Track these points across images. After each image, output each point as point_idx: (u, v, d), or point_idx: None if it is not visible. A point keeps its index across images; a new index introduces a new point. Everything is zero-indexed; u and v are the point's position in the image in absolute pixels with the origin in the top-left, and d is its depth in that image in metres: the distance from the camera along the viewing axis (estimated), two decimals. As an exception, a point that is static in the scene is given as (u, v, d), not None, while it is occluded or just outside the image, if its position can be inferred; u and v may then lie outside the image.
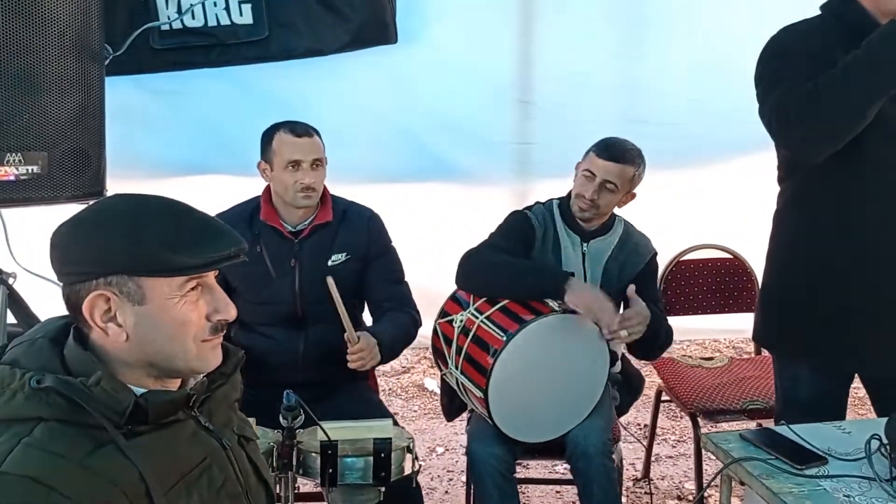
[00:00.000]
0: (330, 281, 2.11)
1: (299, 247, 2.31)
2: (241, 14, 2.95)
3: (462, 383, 2.22)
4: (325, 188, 2.35)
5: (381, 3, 2.98)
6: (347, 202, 2.42)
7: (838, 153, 1.85)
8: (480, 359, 2.13)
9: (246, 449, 1.26)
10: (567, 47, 3.18)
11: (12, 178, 2.04)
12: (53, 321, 1.14)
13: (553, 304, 2.17)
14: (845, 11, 1.87)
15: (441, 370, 2.39)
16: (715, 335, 4.02)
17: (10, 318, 2.23)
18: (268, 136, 2.31)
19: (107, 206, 1.13)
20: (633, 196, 2.39)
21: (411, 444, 1.95)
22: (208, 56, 2.98)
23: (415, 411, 3.71)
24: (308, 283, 2.30)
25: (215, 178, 3.15)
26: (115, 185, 2.38)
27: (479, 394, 2.12)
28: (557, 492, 2.96)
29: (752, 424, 2.62)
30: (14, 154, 2.04)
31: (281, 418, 1.82)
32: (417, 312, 2.42)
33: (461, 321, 2.23)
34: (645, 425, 3.30)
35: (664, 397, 2.95)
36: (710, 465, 2.76)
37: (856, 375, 2.09)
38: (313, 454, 1.84)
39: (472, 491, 2.43)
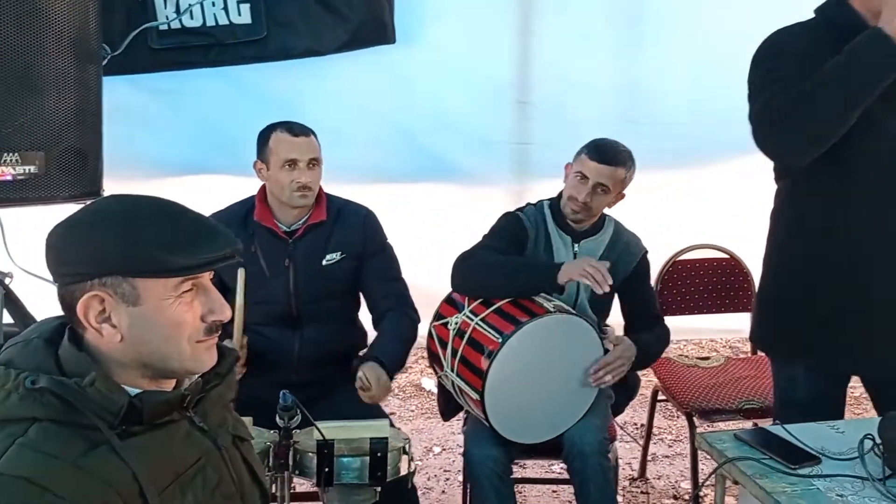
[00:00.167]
0: (240, 273, 2.11)
1: (293, 247, 2.32)
2: (239, 14, 2.95)
3: (458, 386, 2.22)
4: (319, 187, 2.36)
5: (379, 2, 2.98)
6: (342, 201, 2.43)
7: (829, 154, 1.85)
8: (476, 361, 2.13)
9: (240, 449, 1.27)
10: (566, 47, 3.18)
11: (9, 177, 2.05)
12: (49, 321, 1.15)
13: (548, 304, 2.17)
14: (838, 14, 1.87)
15: (436, 373, 2.39)
16: (712, 335, 4.02)
17: (7, 318, 2.23)
18: (264, 136, 2.31)
19: (102, 208, 1.13)
20: (623, 196, 2.40)
21: (407, 445, 1.95)
22: (206, 56, 2.99)
23: (412, 411, 3.72)
24: (303, 282, 2.31)
25: (213, 178, 3.15)
26: (112, 185, 2.39)
27: (475, 396, 2.13)
28: (554, 491, 2.97)
29: (749, 424, 2.62)
30: (11, 154, 2.05)
31: (277, 418, 1.82)
32: (415, 311, 2.43)
33: (456, 323, 2.24)
34: (642, 425, 3.31)
35: (660, 397, 2.96)
36: (707, 465, 2.77)
37: (853, 375, 2.10)
38: (309, 454, 1.84)
39: (468, 491, 2.43)
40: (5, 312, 2.22)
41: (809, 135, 1.83)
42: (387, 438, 1.86)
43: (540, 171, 3.24)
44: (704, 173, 3.38)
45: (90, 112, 2.21)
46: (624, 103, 3.29)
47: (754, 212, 3.34)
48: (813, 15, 1.98)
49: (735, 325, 3.24)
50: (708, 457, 1.78)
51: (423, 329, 2.43)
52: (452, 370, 2.22)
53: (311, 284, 2.32)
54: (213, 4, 2.92)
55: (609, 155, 2.31)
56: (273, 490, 1.87)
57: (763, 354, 3.20)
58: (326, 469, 1.82)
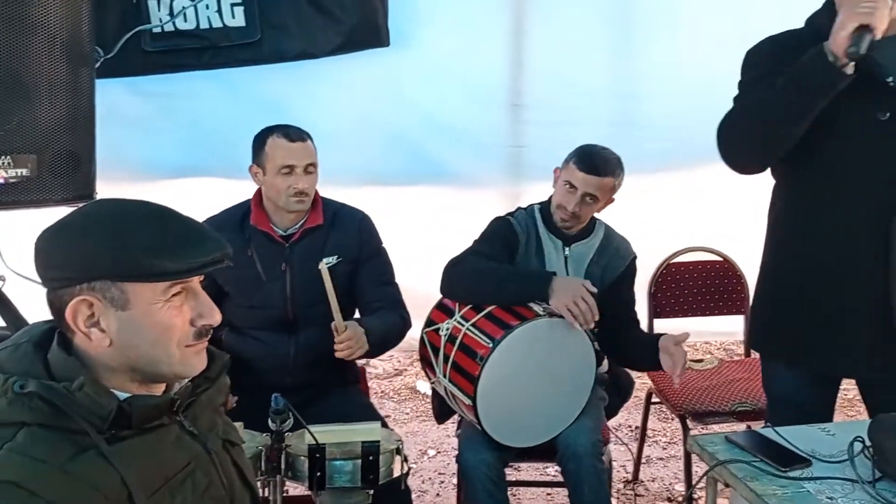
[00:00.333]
0: (323, 268, 2.11)
1: (290, 251, 2.32)
2: (233, 16, 2.95)
3: (451, 392, 2.23)
4: (315, 191, 2.36)
5: (372, 5, 2.98)
6: (338, 205, 2.43)
7: (809, 154, 1.88)
8: (468, 366, 2.14)
9: (230, 453, 1.27)
10: (559, 50, 3.19)
11: (1, 181, 2.05)
12: (38, 326, 1.15)
13: (538, 308, 2.18)
14: (825, 26, 1.87)
15: (429, 379, 2.40)
16: (706, 337, 4.03)
17: (-1, 322, 2.23)
18: (260, 140, 2.31)
19: (91, 212, 1.13)
20: (613, 201, 2.41)
21: (400, 447, 1.95)
22: (200, 58, 2.99)
23: (407, 413, 3.72)
24: (299, 286, 2.31)
25: (207, 181, 3.15)
26: (105, 188, 2.38)
27: (467, 401, 2.13)
28: (549, 494, 2.97)
29: (742, 426, 2.64)
30: (3, 157, 2.04)
31: (269, 422, 1.83)
32: (407, 313, 2.43)
33: (447, 329, 2.24)
34: (636, 427, 3.31)
35: (654, 399, 2.97)
36: (701, 467, 2.77)
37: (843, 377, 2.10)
38: (301, 457, 1.84)
39: (462, 495, 2.44)
40: (-2, 316, 2.22)
41: (753, 146, 1.89)
42: (378, 441, 1.87)
43: (533, 174, 3.24)
44: (698, 176, 3.38)
45: (83, 115, 2.20)
46: (617, 106, 3.30)
47: (747, 214, 3.36)
48: (804, 15, 2.00)
49: (729, 328, 3.23)
50: (702, 459, 1.78)
51: (416, 331, 2.43)
52: (445, 376, 2.23)
53: (307, 288, 2.32)
54: (207, 7, 2.92)
55: (597, 165, 2.31)
56: (265, 494, 1.88)
57: (756, 356, 3.23)
58: (318, 473, 1.83)
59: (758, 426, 2.36)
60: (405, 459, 1.96)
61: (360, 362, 2.56)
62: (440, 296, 2.38)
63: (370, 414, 2.29)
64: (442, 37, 3.11)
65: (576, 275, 2.39)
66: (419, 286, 2.69)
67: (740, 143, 1.91)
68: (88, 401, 1.04)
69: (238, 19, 2.95)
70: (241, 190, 2.44)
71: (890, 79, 1.79)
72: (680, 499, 2.96)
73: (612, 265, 2.43)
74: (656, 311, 3.05)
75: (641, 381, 3.10)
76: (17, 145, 2.06)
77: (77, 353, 1.10)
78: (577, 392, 2.26)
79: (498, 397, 2.13)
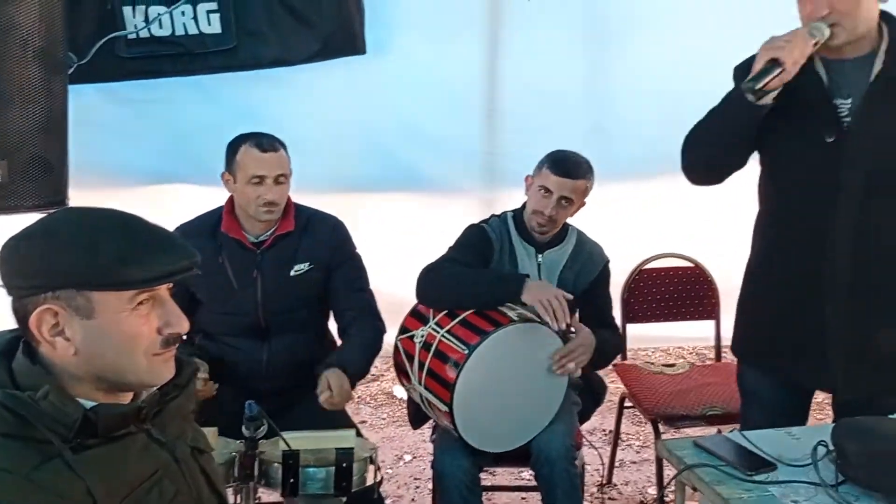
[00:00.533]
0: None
1: (261, 257, 2.32)
2: (209, 23, 2.94)
3: (426, 398, 2.24)
4: (288, 198, 2.36)
5: (349, 13, 2.99)
6: (311, 211, 2.43)
7: (770, 174, 1.99)
8: (443, 373, 2.15)
9: (199, 461, 1.26)
10: (535, 57, 3.21)
11: (-28, 187, 2.03)
12: (3, 334, 1.14)
13: (512, 314, 2.19)
14: None
15: (404, 386, 2.41)
16: (678, 342, 4.07)
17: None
18: (233, 148, 2.30)
19: (56, 220, 1.13)
20: (584, 204, 2.44)
21: (374, 455, 1.96)
22: (176, 65, 2.98)
23: (383, 419, 3.73)
24: (271, 293, 2.31)
25: (181, 188, 3.14)
26: (79, 195, 2.38)
27: (443, 408, 2.14)
28: (523, 498, 2.99)
29: (713, 430, 2.67)
30: (-26, 163, 2.03)
31: (243, 428, 1.83)
32: (381, 321, 2.44)
33: (422, 336, 2.25)
34: (610, 431, 3.34)
35: (627, 403, 2.99)
36: (672, 471, 2.80)
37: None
38: (275, 464, 1.85)
39: (437, 499, 2.45)
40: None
41: (697, 164, 2.02)
42: (353, 448, 1.88)
43: (509, 181, 3.25)
44: (669, 183, 3.39)
45: (55, 121, 2.19)
46: (592, 113, 3.33)
47: (719, 220, 3.42)
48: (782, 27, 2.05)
49: (700, 333, 3.27)
50: (670, 463, 1.81)
51: (390, 338, 2.44)
52: (420, 383, 2.24)
53: (279, 295, 2.33)
54: (183, 14, 2.91)
55: (570, 168, 2.35)
56: (238, 501, 1.88)
57: (727, 361, 3.27)
58: (292, 479, 1.83)
59: (728, 430, 2.40)
60: (378, 468, 1.97)
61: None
62: (415, 302, 2.39)
63: (344, 421, 2.29)
64: (418, 45, 3.12)
65: (549, 280, 2.41)
66: (394, 293, 2.70)
67: (691, 160, 2.02)
68: (53, 409, 1.04)
69: (214, 26, 2.94)
70: (215, 197, 2.44)
71: (837, 101, 1.85)
72: (652, 502, 2.99)
73: (586, 271, 2.46)
74: (629, 317, 3.09)
75: (615, 386, 3.13)
76: (-11, 151, 2.05)
77: (42, 362, 1.10)
78: (550, 397, 2.28)
79: (474, 403, 2.14)
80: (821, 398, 2.73)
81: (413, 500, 3.05)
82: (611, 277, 2.55)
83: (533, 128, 3.19)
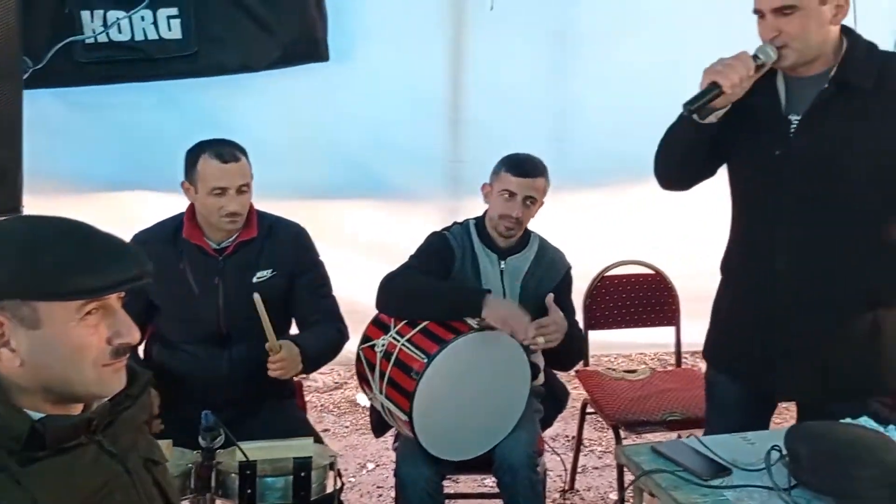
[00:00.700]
0: (257, 297, 2.10)
1: (223, 264, 2.30)
2: (169, 29, 2.91)
3: (388, 408, 2.23)
4: (250, 205, 2.34)
5: (311, 20, 2.98)
6: (274, 217, 2.41)
7: (743, 182, 2.01)
8: (403, 382, 2.14)
9: (153, 472, 1.25)
10: (498, 66, 3.24)
11: (-78, 194, 1.99)
12: None
13: (472, 322, 2.20)
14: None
15: (366, 395, 2.40)
16: (639, 349, 4.11)
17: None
18: (193, 158, 2.26)
19: (4, 229, 1.11)
20: (542, 204, 2.45)
21: (334, 462, 1.95)
22: (135, 70, 2.94)
23: (346, 427, 3.71)
24: (232, 300, 2.29)
25: (140, 195, 3.10)
26: (34, 201, 2.34)
27: (404, 417, 2.14)
28: (486, 505, 2.99)
29: (673, 435, 2.70)
30: (-76, 170, 1.99)
31: (200, 439, 1.81)
32: (345, 326, 2.43)
33: (383, 345, 2.25)
34: (573, 437, 3.36)
35: (589, 409, 3.02)
36: (633, 477, 2.83)
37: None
38: (232, 474, 1.83)
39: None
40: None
41: (662, 175, 2.08)
42: (311, 457, 1.87)
43: (473, 189, 3.23)
44: (632, 190, 3.46)
45: (9, 126, 2.16)
46: (555, 122, 3.36)
47: (679, 228, 3.47)
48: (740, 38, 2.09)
49: (661, 339, 3.31)
50: (629, 469, 1.83)
51: (352, 346, 2.43)
52: (381, 392, 2.23)
53: (241, 303, 2.29)
54: (143, 19, 2.87)
55: (529, 168, 2.37)
56: (195, 512, 1.86)
57: (687, 366, 3.32)
58: (249, 490, 1.82)
59: (687, 435, 2.42)
60: (339, 475, 1.96)
61: (296, 376, 2.54)
62: (377, 311, 2.39)
63: (305, 429, 2.28)
64: (382, 52, 3.12)
65: (512, 287, 2.43)
66: (357, 300, 2.69)
67: (658, 171, 2.08)
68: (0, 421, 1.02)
69: (174, 32, 2.91)
70: (176, 204, 2.41)
71: (791, 116, 1.89)
72: (614, 508, 3.01)
73: (548, 277, 2.47)
74: (590, 323, 3.11)
75: (578, 392, 3.15)
76: (-61, 157, 2.01)
77: None
78: (512, 405, 2.29)
79: (434, 412, 2.14)
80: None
81: (376, 508, 3.04)
82: (573, 283, 2.57)
83: (497, 136, 3.20)
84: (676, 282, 3.15)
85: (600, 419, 3.40)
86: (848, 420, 1.76)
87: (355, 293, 2.76)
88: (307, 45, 3.00)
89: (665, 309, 3.16)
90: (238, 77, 3.00)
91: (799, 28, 1.80)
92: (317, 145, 3.21)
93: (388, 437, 2.82)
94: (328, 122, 3.18)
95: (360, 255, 3.22)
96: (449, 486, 2.69)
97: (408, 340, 2.19)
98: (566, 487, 3.14)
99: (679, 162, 2.03)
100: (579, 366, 2.96)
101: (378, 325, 2.34)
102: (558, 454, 2.83)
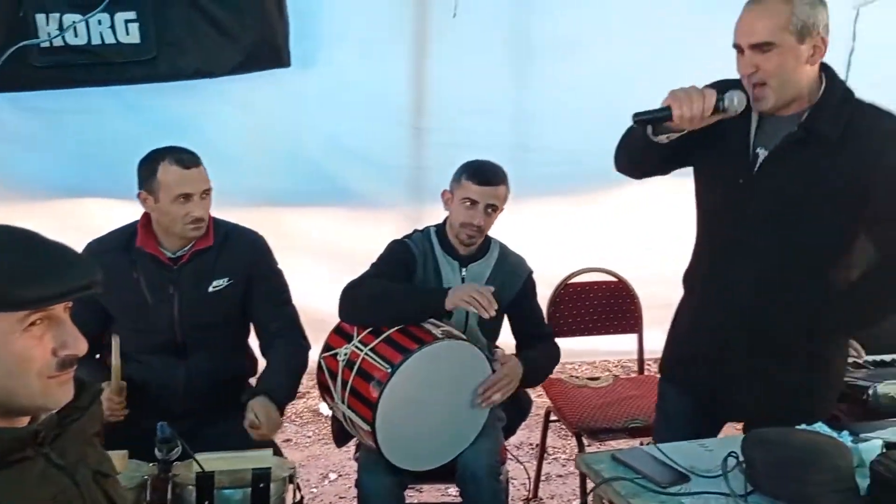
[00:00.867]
0: (114, 340, 2.11)
1: (178, 273, 2.26)
2: (127, 33, 2.86)
3: (349, 418, 2.21)
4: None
5: (272, 25, 2.95)
6: (230, 225, 2.38)
7: (699, 196, 2.06)
8: (366, 392, 2.12)
9: (103, 485, 1.22)
10: (460, 73, 3.23)
11: None
12: None
13: (436, 331, 2.19)
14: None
15: (328, 404, 2.37)
16: (603, 356, 4.14)
17: None
18: (150, 166, 2.21)
19: None
20: (502, 210, 2.46)
21: (293, 474, 1.92)
22: (92, 75, 2.88)
23: (309, 437, 3.67)
24: (187, 309, 2.25)
25: (95, 202, 3.04)
26: (-12, 208, 2.28)
27: (366, 427, 2.12)
28: (449, 514, 2.98)
29: (636, 442, 2.71)
30: None
31: (156, 450, 1.77)
32: (305, 337, 2.41)
33: (345, 354, 2.23)
34: (537, 445, 3.36)
35: (553, 417, 3.02)
36: (596, 484, 2.84)
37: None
38: (189, 487, 1.80)
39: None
40: None
41: (619, 166, 2.12)
42: (270, 468, 1.83)
43: (435, 196, 3.23)
44: (595, 198, 3.49)
45: (-41, 132, 2.10)
46: (517, 129, 3.37)
47: (642, 236, 3.50)
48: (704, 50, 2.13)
49: (625, 346, 3.33)
50: (589, 477, 1.83)
51: (314, 355, 2.40)
52: (343, 402, 2.21)
53: (196, 311, 2.27)
54: (100, 23, 2.82)
55: (491, 176, 2.37)
56: (148, 525, 1.82)
57: (650, 374, 3.35)
58: (206, 502, 1.78)
59: (647, 442, 2.44)
60: (298, 488, 1.94)
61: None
62: (339, 319, 2.36)
63: (263, 440, 2.24)
64: (344, 59, 3.11)
65: None
66: (319, 309, 2.66)
67: (615, 161, 2.11)
68: (-59, 435, 0.99)
69: (133, 36, 2.86)
70: (131, 211, 2.36)
71: (759, 150, 1.92)
72: (576, 515, 3.02)
73: (510, 283, 2.47)
74: (555, 331, 3.10)
75: (542, 400, 3.16)
76: None
77: None
78: (475, 414, 2.28)
79: (397, 422, 2.12)
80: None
81: (338, 518, 3.01)
82: (536, 288, 2.57)
83: (459, 143, 3.19)
84: (639, 289, 3.18)
85: (563, 427, 3.42)
86: (803, 426, 1.78)
87: (316, 302, 2.74)
88: (268, 51, 2.97)
89: (628, 316, 3.18)
90: (198, 82, 2.96)
91: (776, 66, 1.81)
92: (278, 152, 3.18)
93: (351, 447, 2.80)
94: (289, 128, 3.15)
95: (321, 263, 3.19)
96: (412, 496, 2.68)
97: (371, 350, 2.18)
98: (530, 496, 3.14)
99: (628, 159, 2.07)
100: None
101: (340, 334, 2.32)
102: (522, 462, 2.82)
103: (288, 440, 3.56)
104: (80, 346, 1.10)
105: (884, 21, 3.10)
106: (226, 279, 2.29)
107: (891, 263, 1.90)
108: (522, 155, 3.29)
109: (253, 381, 2.57)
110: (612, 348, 3.62)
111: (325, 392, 2.34)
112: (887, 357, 2.51)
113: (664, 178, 2.14)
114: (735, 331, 2.00)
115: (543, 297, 3.00)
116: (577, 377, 3.22)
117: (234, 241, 2.33)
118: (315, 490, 3.16)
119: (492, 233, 2.47)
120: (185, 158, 2.21)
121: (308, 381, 4.00)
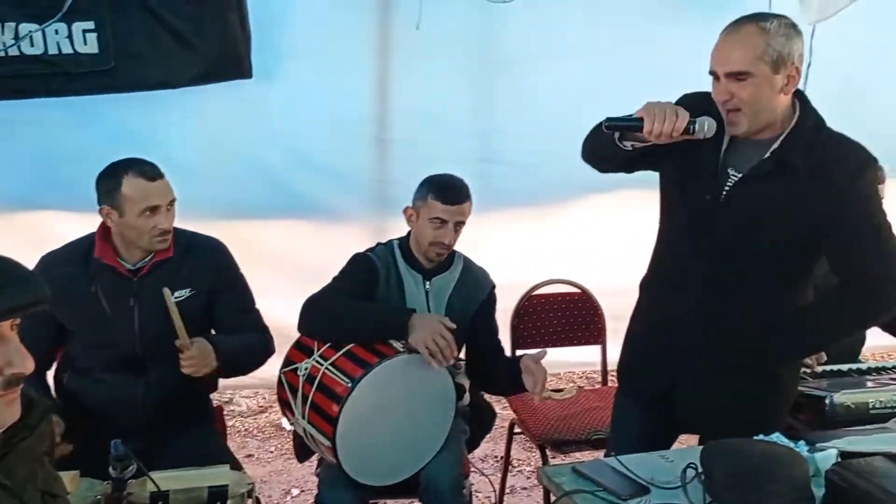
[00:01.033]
0: (166, 291, 2.08)
1: (138, 285, 2.22)
2: (84, 43, 2.82)
3: (310, 433, 2.18)
4: None
5: (234, 37, 2.93)
6: (190, 234, 2.34)
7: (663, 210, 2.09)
8: (326, 407, 2.10)
9: (50, 506, 1.19)
10: (425, 86, 3.25)
11: None
12: None
13: (397, 345, 2.17)
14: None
15: (289, 420, 2.34)
16: (567, 367, 4.14)
17: None
18: (113, 180, 2.16)
19: None
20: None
21: (252, 490, 1.89)
22: (49, 85, 2.83)
23: (271, 452, 3.62)
24: (148, 322, 2.21)
25: (54, 214, 2.98)
26: (-64, 221, 2.22)
27: (327, 443, 2.09)
28: (413, 529, 2.95)
29: (600, 454, 2.71)
30: None
31: (110, 469, 1.73)
32: (270, 336, 2.40)
33: (306, 369, 2.20)
34: (501, 457, 3.35)
35: (517, 429, 3.02)
36: (560, 496, 2.84)
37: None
38: (144, 505, 1.76)
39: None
40: None
41: (582, 152, 2.11)
42: (227, 485, 1.80)
43: (398, 209, 3.23)
44: (558, 210, 3.51)
45: None
46: (482, 142, 3.39)
47: (605, 248, 3.53)
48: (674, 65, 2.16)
49: (588, 357, 3.35)
50: (550, 490, 1.83)
51: (274, 370, 2.37)
52: (304, 417, 2.18)
53: (157, 324, 2.22)
54: (57, 32, 2.77)
55: (457, 194, 2.36)
56: (102, 546, 1.77)
57: (614, 385, 3.36)
58: (162, 521, 1.74)
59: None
60: (258, 502, 1.91)
61: (219, 400, 2.48)
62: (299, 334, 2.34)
63: (223, 456, 2.20)
64: (307, 70, 3.11)
65: (437, 308, 2.41)
66: (280, 322, 2.63)
67: (582, 148, 2.11)
68: None
69: (91, 46, 2.82)
70: (87, 224, 2.31)
71: (730, 170, 1.94)
72: (541, 528, 3.01)
73: (473, 296, 2.47)
74: (518, 342, 3.12)
75: (506, 412, 3.15)
76: None
77: None
78: (437, 427, 2.27)
79: (358, 437, 2.10)
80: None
81: (300, 534, 2.97)
82: (497, 303, 2.57)
83: (423, 156, 3.21)
84: (602, 300, 3.20)
85: (527, 439, 3.42)
86: (761, 437, 1.80)
87: (278, 315, 2.70)
88: (230, 62, 2.96)
89: (591, 328, 3.19)
90: (157, 94, 2.93)
91: (751, 95, 1.83)
92: (239, 163, 3.16)
93: (314, 462, 2.77)
94: (251, 139, 3.13)
95: (282, 275, 3.16)
96: (375, 510, 2.65)
97: (331, 364, 2.15)
98: (494, 508, 3.13)
99: (592, 153, 2.08)
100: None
101: (300, 349, 2.29)
102: (486, 475, 2.82)
103: (250, 455, 3.51)
104: (27, 365, 1.07)
105: (837, 37, 3.17)
106: (188, 290, 2.25)
107: (846, 292, 1.94)
108: (486, 168, 3.30)
109: (213, 396, 2.54)
110: (577, 359, 3.63)
111: (286, 407, 2.31)
112: (844, 367, 2.55)
113: (628, 191, 2.18)
114: (693, 344, 2.02)
115: (507, 308, 3.01)
116: (540, 389, 3.21)
117: (195, 250, 2.30)
118: (274, 507, 3.12)
119: (456, 245, 2.47)
120: (149, 170, 2.17)
121: (270, 395, 4.00)
